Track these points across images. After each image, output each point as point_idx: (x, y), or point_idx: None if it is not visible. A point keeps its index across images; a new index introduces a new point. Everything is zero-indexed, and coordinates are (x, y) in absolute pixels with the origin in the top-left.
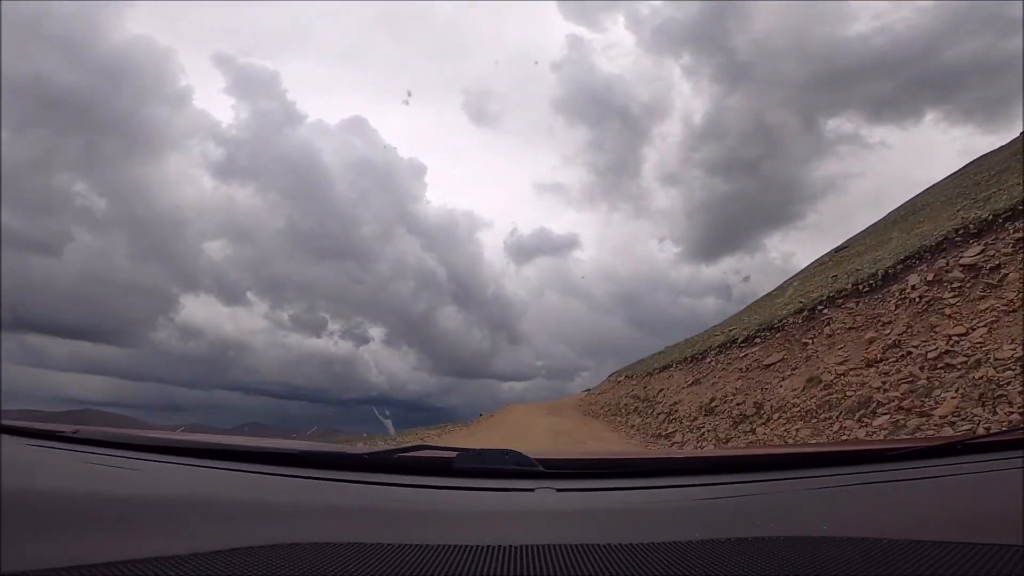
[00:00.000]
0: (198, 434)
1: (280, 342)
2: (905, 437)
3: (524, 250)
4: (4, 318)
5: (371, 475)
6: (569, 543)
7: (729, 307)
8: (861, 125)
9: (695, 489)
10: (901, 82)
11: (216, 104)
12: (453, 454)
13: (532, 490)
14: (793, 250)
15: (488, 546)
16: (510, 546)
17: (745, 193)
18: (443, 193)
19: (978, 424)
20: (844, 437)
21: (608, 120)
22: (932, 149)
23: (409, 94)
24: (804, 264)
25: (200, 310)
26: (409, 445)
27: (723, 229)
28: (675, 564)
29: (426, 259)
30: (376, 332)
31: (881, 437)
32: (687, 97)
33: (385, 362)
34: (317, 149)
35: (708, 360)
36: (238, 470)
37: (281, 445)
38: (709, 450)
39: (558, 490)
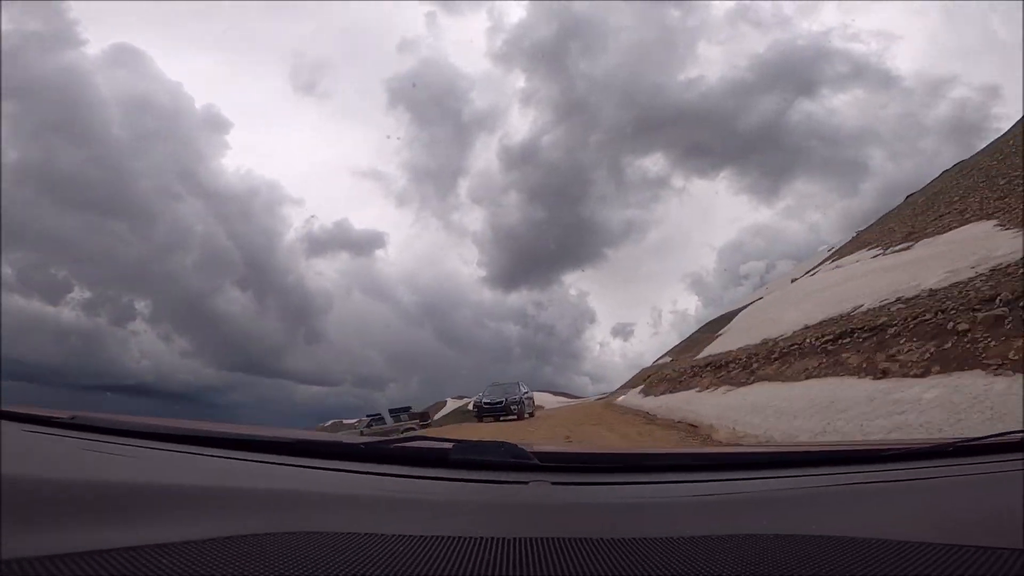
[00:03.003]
0: (195, 421)
1: None
2: (898, 438)
3: (323, 241)
4: None
5: (367, 465)
6: (562, 536)
7: (526, 334)
8: (668, 171)
9: (688, 486)
10: (707, 136)
11: None
12: (449, 445)
13: (526, 483)
14: (588, 289)
15: (482, 538)
16: (503, 538)
17: (551, 227)
18: (249, 159)
19: None
20: None
21: (440, 120)
22: (717, 210)
23: (414, 85)
24: (598, 304)
25: None
26: (405, 436)
27: (526, 260)
28: (666, 560)
29: (216, 230)
30: (141, 308)
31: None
32: (516, 118)
33: (150, 345)
34: (90, 80)
35: None
36: (234, 458)
37: (278, 434)
38: (703, 447)
39: (552, 483)
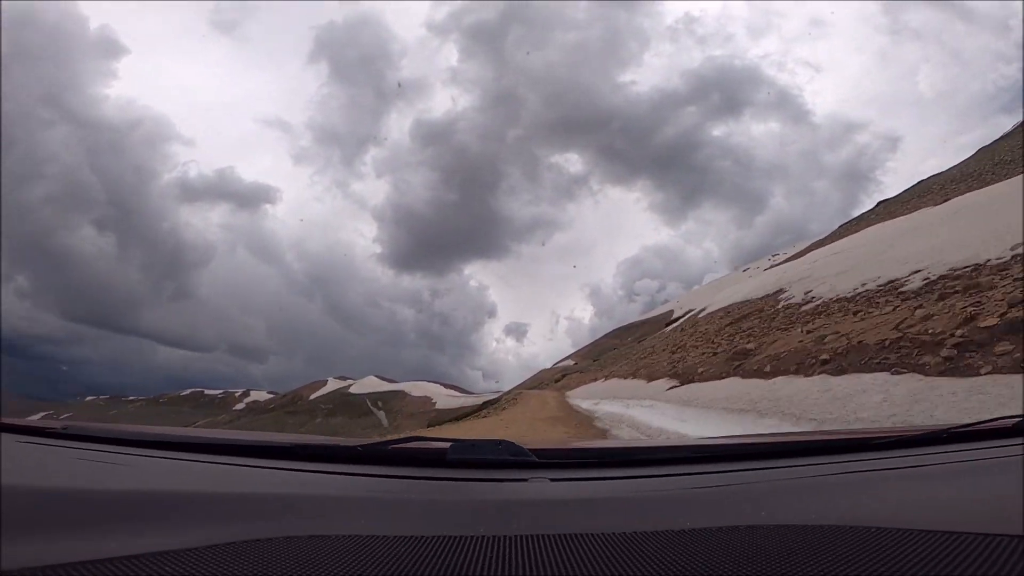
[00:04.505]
0: (189, 429)
1: None
2: (892, 426)
3: (202, 188)
4: None
5: (365, 467)
6: (563, 533)
7: (421, 319)
8: (586, 172)
9: (687, 478)
10: (629, 143)
11: None
12: (447, 445)
13: (526, 480)
14: (488, 283)
15: (483, 536)
16: (504, 536)
17: (458, 212)
18: (141, 90)
19: None
20: None
21: (361, 81)
22: (624, 224)
23: (399, 84)
24: (497, 300)
25: None
26: (403, 436)
27: (428, 242)
28: (667, 553)
29: (79, 162)
30: None
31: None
32: (440, 95)
33: None
34: None
35: None
36: (230, 464)
37: (274, 439)
38: (701, 438)
39: (552, 480)
